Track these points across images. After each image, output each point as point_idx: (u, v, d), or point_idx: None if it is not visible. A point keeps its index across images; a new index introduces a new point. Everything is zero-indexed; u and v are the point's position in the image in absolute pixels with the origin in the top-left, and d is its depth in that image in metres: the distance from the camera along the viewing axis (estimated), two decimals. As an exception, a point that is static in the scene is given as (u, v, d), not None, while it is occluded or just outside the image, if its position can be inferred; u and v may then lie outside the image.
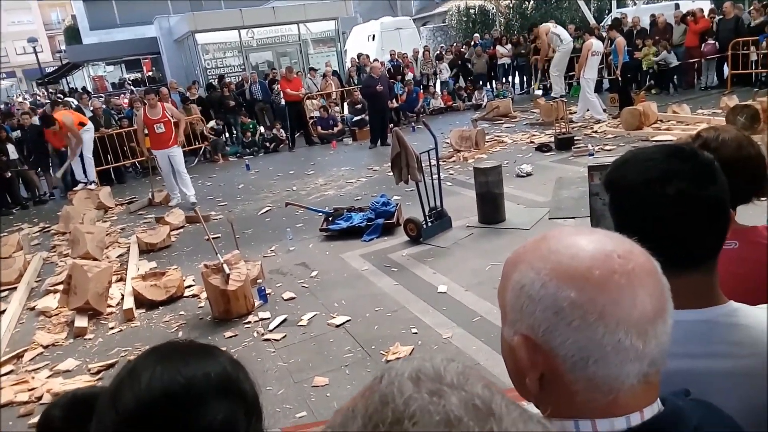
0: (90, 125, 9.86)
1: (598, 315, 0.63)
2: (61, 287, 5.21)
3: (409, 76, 14.10)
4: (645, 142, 7.89)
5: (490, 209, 5.87)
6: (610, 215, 1.06)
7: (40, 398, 3.76)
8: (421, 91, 14.32)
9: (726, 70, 11.83)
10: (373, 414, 0.46)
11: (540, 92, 12.90)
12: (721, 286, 1.00)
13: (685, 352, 0.90)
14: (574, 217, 5.65)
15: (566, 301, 0.64)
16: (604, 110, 10.39)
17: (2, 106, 19.35)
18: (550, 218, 5.81)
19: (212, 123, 12.48)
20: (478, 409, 0.45)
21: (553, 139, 8.86)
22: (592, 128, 9.75)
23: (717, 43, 11.98)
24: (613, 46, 10.77)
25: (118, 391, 0.74)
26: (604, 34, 12.29)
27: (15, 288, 5.79)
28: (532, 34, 12.17)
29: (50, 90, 28.41)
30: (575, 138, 8.82)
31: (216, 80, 14.94)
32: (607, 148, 8.25)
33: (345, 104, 14.27)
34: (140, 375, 0.74)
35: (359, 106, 12.63)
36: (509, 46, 15.62)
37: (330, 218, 6.38)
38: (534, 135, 9.97)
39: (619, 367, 0.63)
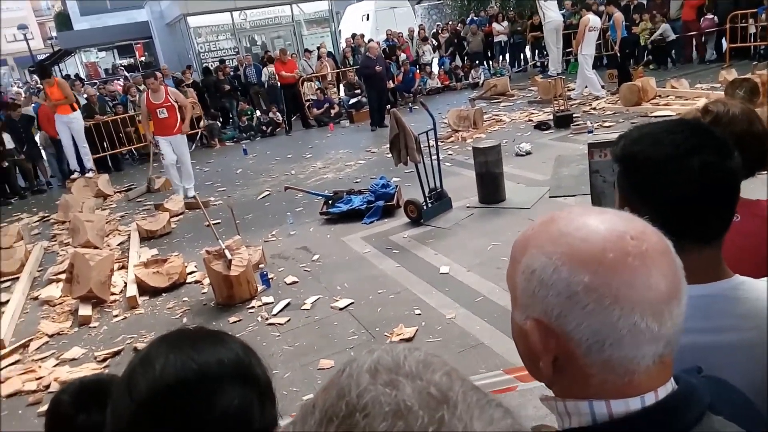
0: (78, 113, 9.77)
1: (613, 298, 0.62)
2: (63, 276, 5.22)
3: (403, 56, 13.94)
4: (644, 118, 7.86)
5: (490, 189, 5.86)
6: (620, 190, 1.05)
7: (48, 387, 3.79)
8: (418, 71, 14.21)
9: (724, 43, 11.74)
10: (329, 408, 0.47)
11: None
12: (726, 259, 1.00)
13: (692, 327, 0.90)
14: (574, 195, 5.65)
15: (580, 286, 0.63)
16: (603, 86, 10.32)
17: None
18: (550, 197, 5.81)
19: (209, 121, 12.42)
20: (432, 397, 0.45)
21: (551, 117, 8.82)
22: (590, 105, 9.70)
23: (716, 17, 11.86)
24: (611, 21, 10.66)
25: (132, 379, 0.74)
26: (602, 9, 12.15)
27: (17, 278, 5.79)
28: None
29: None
30: (574, 115, 8.78)
31: (213, 64, 14.81)
32: (606, 124, 8.21)
33: (341, 86, 14.16)
34: (153, 363, 0.74)
35: (358, 90, 12.53)
36: (505, 23, 15.46)
37: (330, 201, 6.38)
38: (532, 113, 9.92)
39: (635, 349, 0.63)
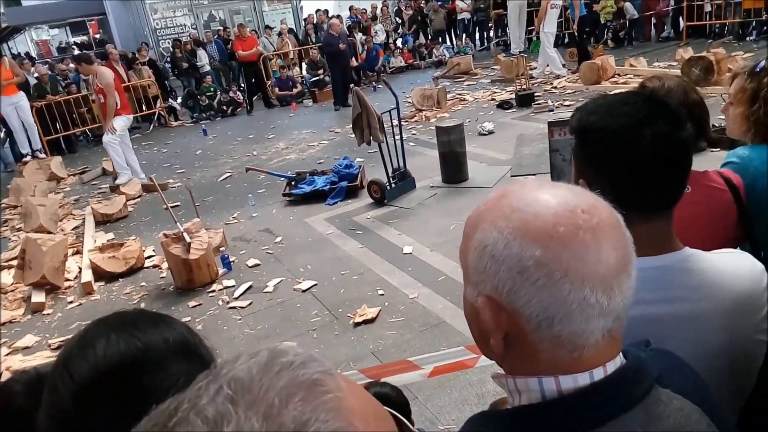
0: (23, 93, 9.37)
1: (564, 272, 0.61)
2: (15, 263, 5.03)
3: (360, 37, 13.69)
4: (616, 92, 7.96)
5: (453, 168, 5.87)
6: (576, 162, 1.06)
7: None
8: (381, 49, 14.06)
9: (681, 22, 11.96)
10: (153, 428, 0.41)
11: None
12: (674, 227, 1.01)
13: (643, 298, 0.91)
14: (535, 174, 5.70)
15: (531, 260, 0.62)
16: (564, 65, 10.42)
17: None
18: (512, 176, 5.85)
19: (169, 101, 12.07)
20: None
21: (513, 96, 8.86)
22: (551, 84, 9.79)
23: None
24: (570, 0, 10.74)
25: (71, 361, 0.71)
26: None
27: (-35, 265, 5.56)
28: None
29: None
30: (535, 94, 8.85)
31: (170, 42, 14.34)
32: (567, 103, 8.30)
33: (303, 64, 13.92)
34: (94, 343, 0.71)
35: (320, 69, 12.32)
36: (469, 0, 15.39)
37: (293, 182, 6.28)
38: (495, 92, 9.96)
39: (585, 324, 0.63)
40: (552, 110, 7.90)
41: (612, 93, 1.13)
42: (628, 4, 12.31)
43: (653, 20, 12.81)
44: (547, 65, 10.41)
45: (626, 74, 9.27)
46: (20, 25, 25.86)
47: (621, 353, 0.69)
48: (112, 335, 0.72)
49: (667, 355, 0.79)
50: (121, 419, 0.65)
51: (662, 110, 0.98)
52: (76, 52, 21.47)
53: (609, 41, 12.47)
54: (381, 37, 14.33)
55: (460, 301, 3.57)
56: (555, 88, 9.52)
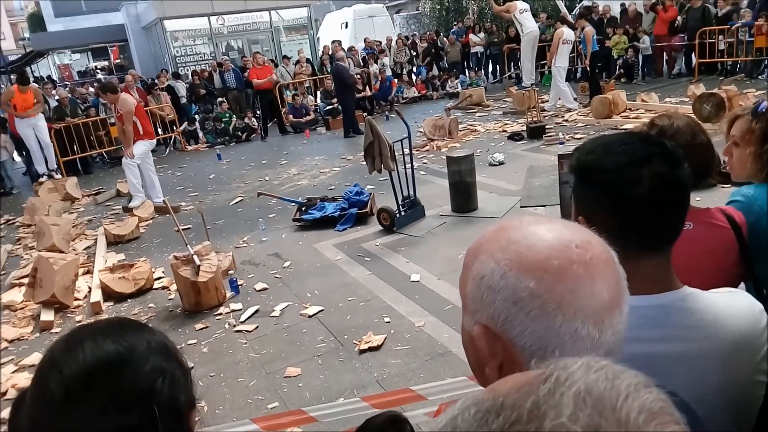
0: (41, 114, 9.60)
1: (557, 304, 0.63)
2: (26, 281, 5.08)
3: (374, 68, 13.91)
4: (615, 131, 8.00)
5: (463, 198, 5.89)
6: (575, 200, 1.07)
7: (4, 394, 3.67)
8: (395, 80, 14.27)
9: (694, 58, 12.04)
10: (516, 421, 0.40)
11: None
12: (674, 265, 1.02)
13: (642, 337, 0.91)
14: (544, 206, 5.71)
15: (525, 291, 0.64)
16: (575, 99, 10.50)
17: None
18: (521, 207, 5.86)
19: (185, 125, 12.28)
20: None
21: (525, 128, 8.93)
22: (563, 117, 9.85)
23: (686, 32, 12.17)
24: (582, 35, 10.88)
25: (60, 358, 0.75)
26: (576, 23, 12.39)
27: (-22, 282, 5.63)
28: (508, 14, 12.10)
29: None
30: (546, 127, 8.90)
31: (189, 69, 14.68)
32: (578, 136, 8.34)
33: (318, 93, 14.15)
34: (83, 343, 0.76)
35: (334, 97, 12.53)
36: (482, 34, 15.64)
37: (303, 208, 6.34)
38: (506, 124, 10.03)
39: (576, 357, 0.63)
40: (563, 143, 7.93)
41: (610, 133, 1.14)
42: (645, 38, 12.43)
43: (665, 56, 12.91)
44: (559, 99, 10.49)
45: (637, 109, 9.31)
46: (44, 50, 26.64)
47: None
48: (99, 337, 0.77)
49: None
50: (106, 413, 0.72)
51: (659, 150, 0.99)
52: (99, 76, 22.04)
53: (621, 76, 12.57)
54: (388, 70, 14.56)
55: (466, 331, 3.57)
56: (566, 121, 9.58)
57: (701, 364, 0.94)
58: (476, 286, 0.69)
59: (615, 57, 12.83)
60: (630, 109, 9.35)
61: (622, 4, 14.31)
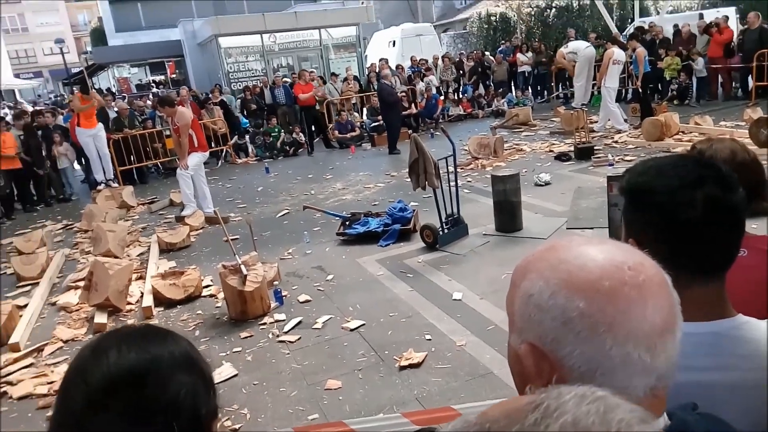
0: (101, 125, 10.05)
1: (607, 326, 0.63)
2: (82, 284, 5.30)
3: (421, 85, 14.01)
4: (666, 154, 7.81)
5: (507, 217, 5.86)
6: (626, 223, 1.06)
7: (3, 394, 3.84)
8: (441, 97, 14.34)
9: (750, 81, 11.66)
10: None
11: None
12: (729, 293, 1.00)
13: (694, 365, 0.90)
14: (592, 228, 5.61)
15: (575, 312, 0.63)
16: (626, 120, 10.30)
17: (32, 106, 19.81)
18: (567, 228, 5.78)
19: (235, 138, 12.65)
20: None
21: (572, 149, 8.81)
22: (612, 138, 9.68)
23: (741, 54, 11.81)
24: (633, 56, 10.70)
25: (85, 367, 0.78)
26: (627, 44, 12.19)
27: (37, 283, 5.91)
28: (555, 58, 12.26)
29: (75, 91, 28.98)
30: (595, 148, 8.76)
31: (241, 84, 15.15)
32: (628, 158, 8.17)
33: (364, 110, 14.37)
34: (108, 353, 0.78)
35: (379, 114, 12.70)
36: (530, 54, 15.57)
37: (347, 222, 6.42)
38: (553, 144, 9.92)
39: (627, 380, 0.63)
40: (612, 164, 7.79)
41: (662, 156, 1.14)
42: (699, 59, 12.12)
43: (720, 78, 12.53)
44: (609, 120, 10.32)
45: (691, 132, 9.07)
46: (105, 63, 27.94)
47: (666, 414, 0.69)
48: (123, 346, 0.79)
49: (713, 420, 0.77)
50: (127, 424, 0.74)
51: (713, 173, 0.98)
52: (155, 89, 22.94)
53: (674, 98, 12.27)
54: (433, 89, 14.65)
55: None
56: (616, 142, 9.41)
57: (756, 395, 0.92)
58: (524, 305, 0.68)
59: (668, 79, 12.55)
60: (683, 132, 9.12)
61: (675, 25, 14.01)
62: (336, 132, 12.85)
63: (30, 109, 14.59)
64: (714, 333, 0.96)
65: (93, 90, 10.44)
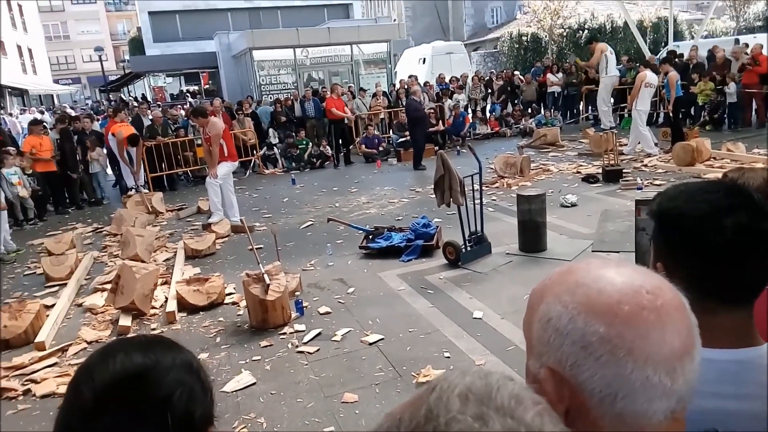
0: (135, 132, 10.29)
1: (627, 350, 0.62)
2: (109, 286, 5.41)
3: (449, 102, 14.07)
4: (697, 179, 7.67)
5: (532, 237, 5.81)
6: (654, 246, 1.06)
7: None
8: (468, 115, 14.35)
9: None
10: (416, 428, 0.47)
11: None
12: (756, 322, 0.99)
13: (717, 392, 0.89)
14: (618, 252, 5.53)
15: (595, 336, 0.63)
16: (656, 144, 10.17)
17: (68, 110, 20.42)
18: (593, 251, 5.70)
19: (264, 149, 12.85)
20: None
21: (600, 171, 8.72)
22: (642, 162, 9.55)
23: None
24: (665, 79, 10.58)
25: (94, 367, 0.83)
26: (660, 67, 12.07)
27: (65, 284, 6.05)
28: (589, 47, 12.10)
29: (111, 98, 29.83)
30: (624, 171, 8.65)
31: (272, 96, 15.44)
32: (657, 182, 8.05)
33: (392, 125, 14.45)
34: (115, 355, 0.83)
35: (407, 130, 12.78)
36: (560, 74, 15.51)
37: (370, 236, 6.44)
38: (581, 165, 9.84)
39: (647, 404, 0.63)
40: (641, 188, 7.68)
41: (693, 181, 1.13)
42: (732, 84, 11.91)
43: (755, 105, 12.29)
44: (639, 143, 10.20)
45: (722, 158, 8.90)
46: (141, 72, 28.72)
47: None
48: (131, 350, 0.84)
49: None
50: (132, 421, 0.79)
51: (745, 201, 0.97)
52: (189, 99, 23.46)
53: (706, 124, 12.06)
54: (461, 107, 14.70)
55: (527, 374, 3.49)
56: (645, 166, 9.28)
57: None
58: (543, 329, 0.68)
59: (700, 104, 12.36)
60: (714, 158, 8.96)
61: (710, 50, 13.82)
62: (363, 146, 12.94)
63: (73, 113, 15.04)
64: (739, 361, 0.95)
65: (123, 114, 10.73)
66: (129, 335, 0.92)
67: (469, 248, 5.68)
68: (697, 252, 0.96)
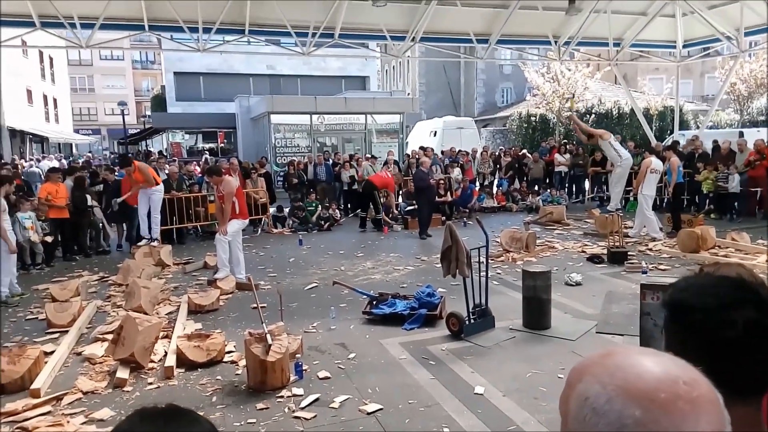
0: (161, 186, 10.50)
1: None
2: (110, 336, 5.39)
3: (456, 172, 14.36)
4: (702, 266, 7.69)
5: (536, 314, 5.80)
6: (666, 335, 1.09)
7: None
8: (476, 188, 14.61)
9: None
10: None
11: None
12: (766, 419, 1.01)
13: None
14: (622, 335, 5.50)
15: (630, 419, 0.65)
16: (661, 229, 10.27)
17: (85, 160, 20.94)
18: (597, 332, 5.67)
19: (274, 209, 13.07)
20: None
21: (605, 252, 8.78)
22: (647, 245, 9.62)
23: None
24: (668, 165, 10.83)
25: None
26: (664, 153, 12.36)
27: (66, 331, 6.02)
28: (592, 138, 12.21)
29: (129, 151, 30.58)
30: (629, 253, 8.71)
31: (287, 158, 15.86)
32: (662, 267, 8.08)
33: (401, 193, 14.70)
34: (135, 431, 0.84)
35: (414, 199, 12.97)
36: (567, 155, 15.90)
37: (374, 302, 6.44)
38: (586, 245, 9.91)
39: None
40: (645, 272, 7.71)
41: (706, 274, 1.19)
42: (736, 176, 12.12)
43: (759, 195, 12.47)
44: (644, 227, 10.31)
45: (727, 247, 8.96)
46: (161, 128, 29.59)
47: None
48: (160, 423, 0.85)
49: None
50: None
51: (752, 296, 1.01)
52: (205, 156, 24.00)
53: (711, 212, 12.21)
54: (458, 177, 14.96)
55: (528, 454, 3.39)
56: (650, 250, 9.34)
57: None
58: (579, 407, 0.70)
59: (704, 192, 12.56)
60: (719, 246, 9.02)
61: (715, 141, 14.17)
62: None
63: (95, 164, 15.33)
64: None
65: (138, 162, 10.98)
66: (150, 405, 0.91)
67: (472, 320, 5.67)
68: (705, 345, 0.99)
